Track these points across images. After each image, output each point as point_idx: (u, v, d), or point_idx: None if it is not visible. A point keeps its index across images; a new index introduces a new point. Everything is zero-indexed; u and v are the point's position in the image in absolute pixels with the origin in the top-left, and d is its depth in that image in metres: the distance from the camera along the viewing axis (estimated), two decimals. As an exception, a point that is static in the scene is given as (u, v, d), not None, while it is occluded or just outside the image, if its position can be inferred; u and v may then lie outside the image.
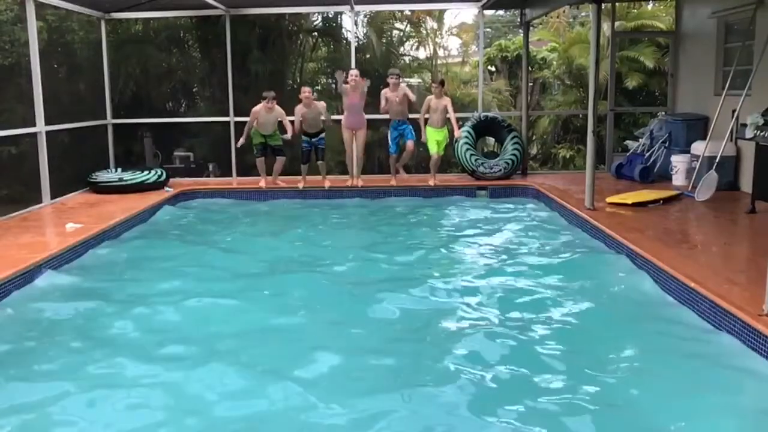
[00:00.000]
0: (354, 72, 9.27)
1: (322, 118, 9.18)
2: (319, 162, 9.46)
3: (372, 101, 9.66)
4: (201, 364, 3.93)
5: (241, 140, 9.46)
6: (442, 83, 9.47)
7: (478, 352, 4.05)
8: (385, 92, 9.24)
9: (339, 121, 9.53)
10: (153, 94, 12.96)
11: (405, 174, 9.98)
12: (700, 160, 8.50)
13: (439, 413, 3.38)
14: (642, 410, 3.34)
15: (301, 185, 9.54)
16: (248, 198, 9.54)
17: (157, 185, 9.51)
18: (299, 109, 9.11)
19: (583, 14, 16.97)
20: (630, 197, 7.77)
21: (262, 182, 9.62)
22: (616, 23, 11.94)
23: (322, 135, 9.34)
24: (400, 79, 9.37)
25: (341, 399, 3.49)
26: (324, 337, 4.40)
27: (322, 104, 9.24)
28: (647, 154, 9.74)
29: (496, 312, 4.76)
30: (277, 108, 9.26)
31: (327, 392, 3.56)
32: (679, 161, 9.09)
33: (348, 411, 3.38)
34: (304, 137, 9.28)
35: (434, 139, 9.29)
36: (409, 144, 9.29)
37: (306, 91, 9.10)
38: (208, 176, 11.57)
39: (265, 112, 9.20)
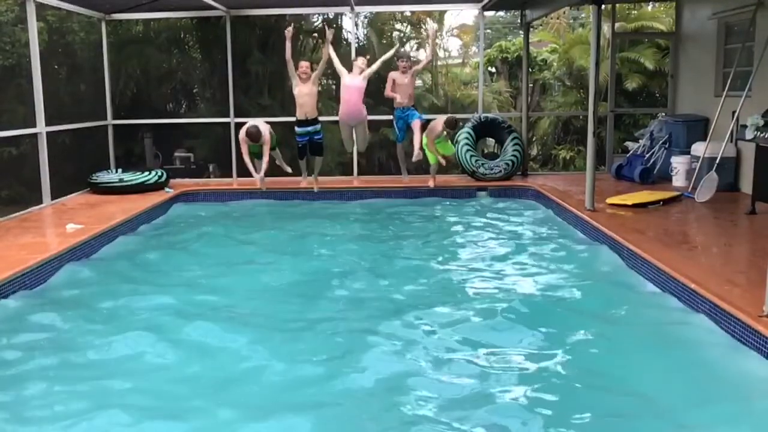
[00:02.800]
0: (362, 59, 8.67)
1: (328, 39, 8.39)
2: (316, 158, 8.84)
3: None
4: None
5: (257, 175, 8.52)
6: (454, 126, 8.98)
7: (479, 352, 4.07)
8: (393, 75, 8.76)
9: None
10: (153, 95, 12.98)
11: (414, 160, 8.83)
12: (700, 161, 8.50)
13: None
14: (644, 412, 3.34)
15: (303, 183, 9.11)
16: (248, 198, 9.52)
17: (157, 186, 9.51)
18: (295, 82, 8.36)
19: (583, 15, 16.98)
20: (630, 198, 7.77)
21: (258, 181, 8.72)
22: (617, 24, 11.95)
23: (318, 126, 8.52)
24: (410, 63, 8.86)
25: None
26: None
27: (316, 71, 8.40)
28: (647, 155, 9.75)
29: (497, 313, 4.75)
30: (265, 138, 8.32)
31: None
32: (679, 162, 9.08)
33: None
34: (297, 129, 8.53)
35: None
36: (416, 123, 8.63)
37: (304, 66, 8.31)
38: (209, 177, 11.58)
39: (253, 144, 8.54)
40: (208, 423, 3.34)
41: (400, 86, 8.73)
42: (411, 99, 8.85)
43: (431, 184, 9.42)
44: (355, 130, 8.65)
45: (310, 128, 8.40)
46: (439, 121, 8.86)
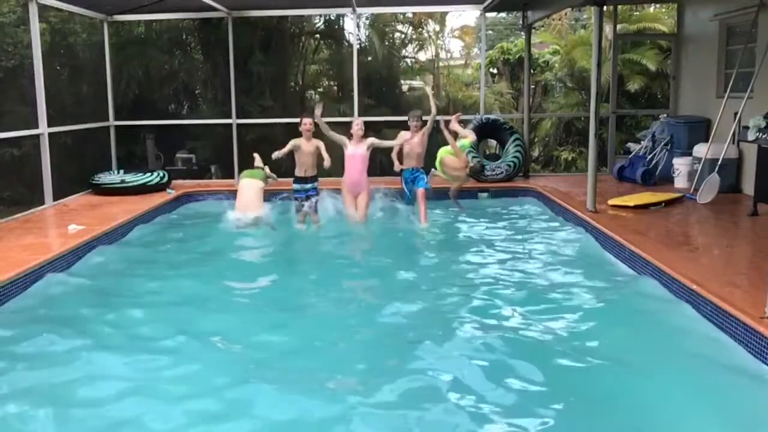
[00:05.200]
0: (359, 121, 7.97)
1: (325, 158, 7.62)
2: (313, 216, 7.90)
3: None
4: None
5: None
6: (479, 173, 8.55)
7: (483, 353, 4.07)
8: (404, 135, 8.15)
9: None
10: (155, 96, 13.00)
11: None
12: (702, 163, 8.50)
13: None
14: (642, 408, 3.35)
15: (301, 226, 7.87)
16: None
17: (159, 187, 9.54)
18: (295, 142, 7.66)
19: (585, 17, 16.98)
20: (632, 200, 7.77)
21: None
22: (618, 26, 11.94)
23: (316, 183, 7.85)
24: (421, 122, 8.08)
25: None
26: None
27: (321, 143, 7.76)
28: (649, 156, 9.75)
29: (498, 315, 4.77)
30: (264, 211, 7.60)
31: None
32: (681, 164, 9.08)
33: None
34: (295, 185, 7.83)
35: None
36: (421, 192, 7.97)
37: (307, 123, 7.65)
38: (210, 178, 11.59)
39: None
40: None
41: (409, 144, 8.10)
42: (420, 160, 8.18)
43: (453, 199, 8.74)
44: (357, 199, 7.91)
45: (308, 185, 7.83)
46: (460, 162, 8.22)
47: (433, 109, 8.03)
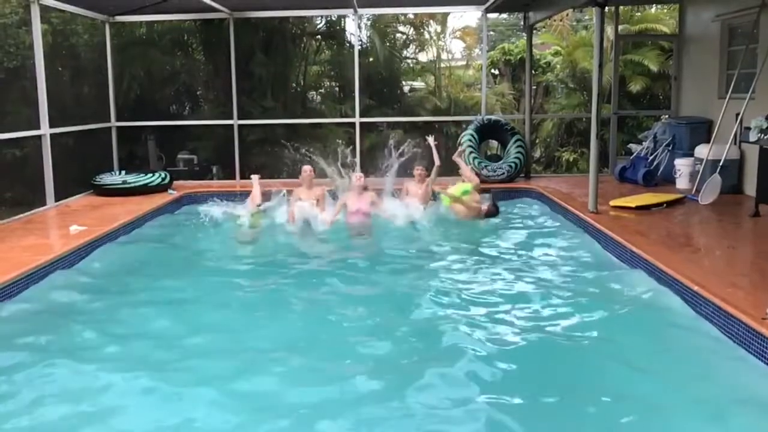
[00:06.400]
0: (360, 174, 7.93)
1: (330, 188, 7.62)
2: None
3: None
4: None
5: None
6: (494, 213, 8.02)
7: (484, 354, 4.07)
8: (408, 184, 8.18)
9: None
10: (157, 97, 13.02)
11: None
12: (703, 164, 8.49)
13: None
14: (643, 407, 3.35)
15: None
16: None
17: (160, 188, 9.55)
18: (296, 194, 7.67)
19: (586, 18, 16.98)
20: (633, 201, 7.76)
21: None
22: (620, 27, 11.94)
23: None
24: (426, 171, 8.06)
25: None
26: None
27: (321, 190, 7.79)
28: (651, 157, 9.74)
29: (498, 315, 4.76)
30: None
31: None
32: (682, 165, 9.07)
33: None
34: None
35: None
36: None
37: (308, 170, 7.60)
38: (212, 179, 11.60)
39: None
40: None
41: (412, 196, 8.06)
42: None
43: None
44: (357, 232, 7.74)
45: None
46: (471, 212, 7.87)
47: (437, 161, 8.04)
